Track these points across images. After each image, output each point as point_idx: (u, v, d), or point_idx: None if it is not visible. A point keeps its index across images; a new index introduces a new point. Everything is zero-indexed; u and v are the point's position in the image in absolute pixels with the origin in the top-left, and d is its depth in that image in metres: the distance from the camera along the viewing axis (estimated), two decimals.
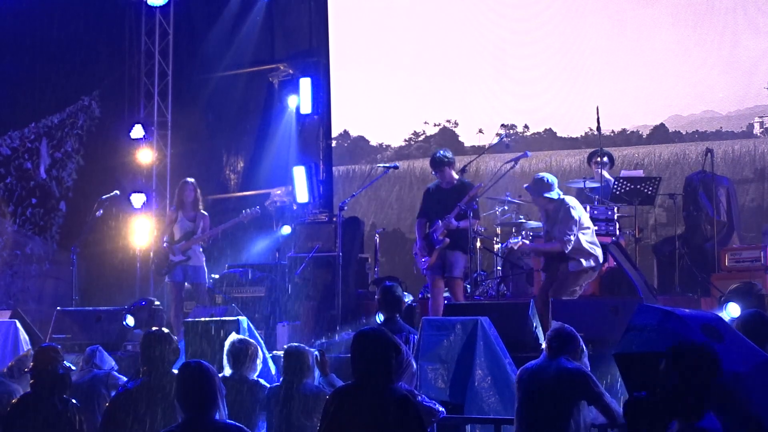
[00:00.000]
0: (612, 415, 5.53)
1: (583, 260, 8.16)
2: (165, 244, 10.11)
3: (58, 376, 5.89)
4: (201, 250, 10.14)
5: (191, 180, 10.31)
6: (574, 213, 8.18)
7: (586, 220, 8.39)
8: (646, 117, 13.41)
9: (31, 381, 5.96)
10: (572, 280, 8.21)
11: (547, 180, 8.34)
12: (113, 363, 7.18)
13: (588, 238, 8.24)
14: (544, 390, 5.57)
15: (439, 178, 9.11)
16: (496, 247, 11.53)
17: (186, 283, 10.14)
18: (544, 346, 5.86)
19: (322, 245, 10.87)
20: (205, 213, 10.24)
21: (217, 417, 4.49)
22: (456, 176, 9.04)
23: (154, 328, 6.38)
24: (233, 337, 6.57)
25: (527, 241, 8.79)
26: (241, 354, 6.34)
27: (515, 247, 8.79)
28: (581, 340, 5.81)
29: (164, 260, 10.06)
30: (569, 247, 8.13)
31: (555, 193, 8.27)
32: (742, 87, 12.63)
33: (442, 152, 9.11)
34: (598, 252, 8.28)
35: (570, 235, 8.11)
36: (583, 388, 5.54)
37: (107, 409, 5.79)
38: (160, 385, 5.49)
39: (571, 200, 8.38)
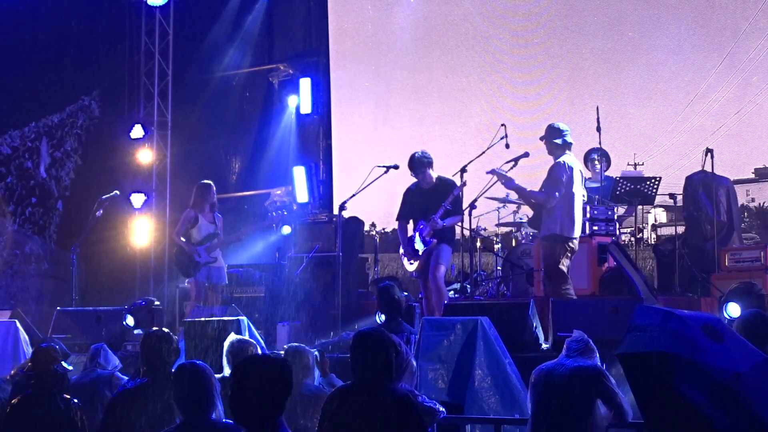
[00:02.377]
0: (623, 415, 5.52)
1: (551, 225, 8.13)
2: (185, 245, 10.02)
3: (59, 375, 5.88)
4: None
5: (211, 182, 10.32)
6: (562, 176, 8.13)
7: (577, 189, 8.25)
8: (646, 116, 13.42)
9: (32, 381, 5.95)
10: (547, 254, 8.15)
11: (557, 127, 8.33)
12: (117, 362, 7.13)
13: (566, 205, 8.17)
14: (560, 388, 5.53)
15: (419, 179, 8.96)
16: (497, 247, 11.54)
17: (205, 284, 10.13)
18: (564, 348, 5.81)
19: (322, 245, 10.88)
20: (220, 215, 10.27)
21: (214, 416, 4.49)
22: (434, 175, 8.95)
23: (154, 328, 6.38)
24: (233, 337, 6.56)
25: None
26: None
27: (502, 181, 8.50)
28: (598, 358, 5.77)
29: (190, 261, 10.03)
30: (553, 203, 8.11)
31: (560, 140, 8.22)
32: (742, 87, 12.63)
33: (421, 153, 8.93)
34: (574, 225, 8.17)
35: (555, 193, 8.09)
36: (598, 385, 5.51)
37: (107, 408, 5.77)
38: (160, 385, 5.48)
39: (568, 161, 8.23)
